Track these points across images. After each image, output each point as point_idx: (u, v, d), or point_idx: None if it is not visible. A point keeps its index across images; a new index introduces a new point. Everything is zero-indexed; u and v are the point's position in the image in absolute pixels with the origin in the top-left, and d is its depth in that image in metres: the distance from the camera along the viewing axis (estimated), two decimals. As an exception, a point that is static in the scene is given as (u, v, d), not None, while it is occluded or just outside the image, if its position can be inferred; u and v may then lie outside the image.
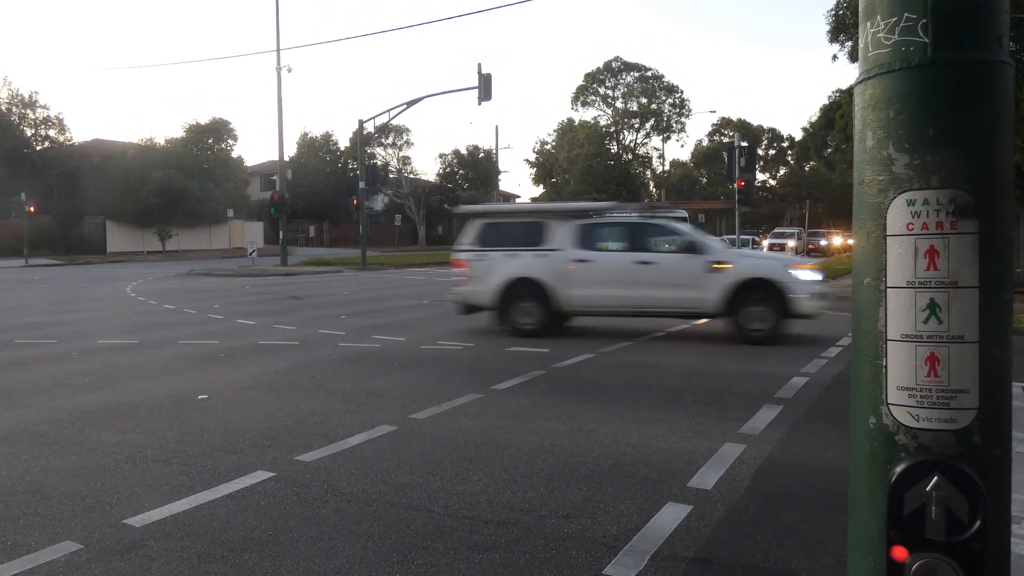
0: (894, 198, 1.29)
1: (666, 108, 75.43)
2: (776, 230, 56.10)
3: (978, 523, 1.26)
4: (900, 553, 1.29)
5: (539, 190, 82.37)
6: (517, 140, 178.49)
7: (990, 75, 1.24)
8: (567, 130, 77.69)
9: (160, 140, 57.06)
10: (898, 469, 1.30)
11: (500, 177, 72.70)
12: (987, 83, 1.24)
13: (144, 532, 4.50)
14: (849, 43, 28.48)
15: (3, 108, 52.60)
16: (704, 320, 13.60)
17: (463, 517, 4.76)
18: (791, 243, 48.14)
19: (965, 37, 1.24)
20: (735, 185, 23.98)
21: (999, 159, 1.25)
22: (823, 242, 57.38)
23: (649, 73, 75.20)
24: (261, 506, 4.94)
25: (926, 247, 1.27)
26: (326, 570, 4.02)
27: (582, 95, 75.74)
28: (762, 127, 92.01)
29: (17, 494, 5.15)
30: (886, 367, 1.32)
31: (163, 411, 7.52)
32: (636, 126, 75.72)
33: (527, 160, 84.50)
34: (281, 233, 39.22)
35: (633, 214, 14.64)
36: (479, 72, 31.58)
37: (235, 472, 5.58)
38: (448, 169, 75.72)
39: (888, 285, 1.31)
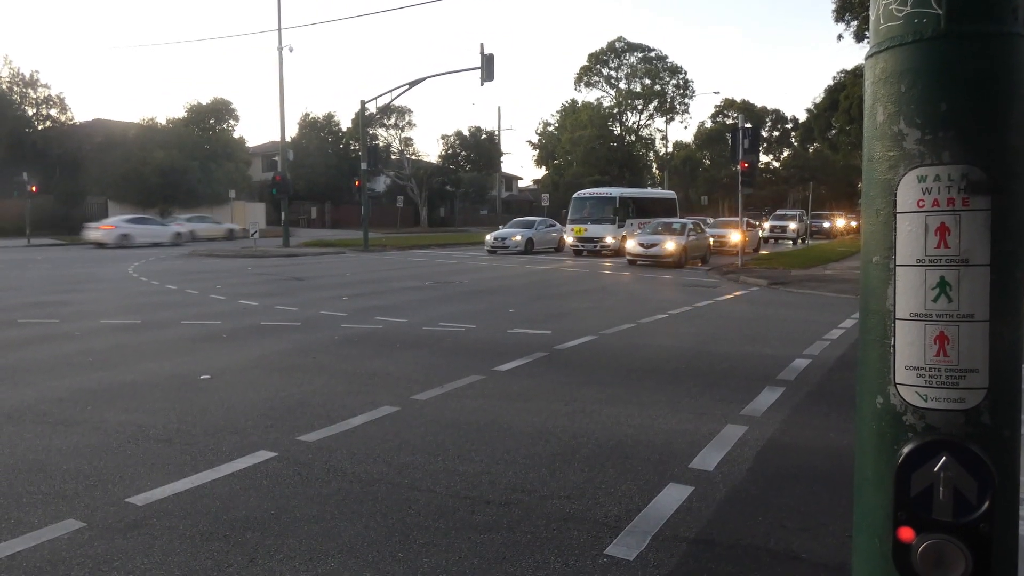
0: (904, 174, 1.27)
1: (670, 89, 75.11)
2: (777, 212, 53.40)
3: (986, 504, 1.24)
4: (907, 534, 1.28)
5: (541, 172, 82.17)
6: (520, 121, 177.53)
7: (1005, 48, 1.21)
8: (570, 111, 77.41)
9: (162, 120, 56.98)
10: (905, 449, 1.28)
11: (502, 159, 72.50)
12: (1002, 56, 1.21)
13: (147, 511, 4.52)
14: (855, 22, 28.28)
15: (4, 87, 52.37)
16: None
17: (465, 497, 4.77)
18: (792, 225, 46.17)
19: (980, 9, 1.21)
20: (738, 167, 23.88)
21: (1013, 134, 1.23)
22: (826, 224, 56.07)
23: (653, 54, 74.84)
24: (263, 486, 4.95)
25: (937, 224, 1.25)
26: (328, 549, 4.03)
27: (585, 76, 75.39)
28: (766, 108, 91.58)
29: (20, 472, 5.17)
30: (894, 346, 1.30)
31: (165, 391, 7.53)
32: (639, 107, 75.45)
33: (529, 142, 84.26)
34: (283, 214, 39.17)
35: None
36: (482, 52, 31.40)
37: (237, 452, 5.59)
38: (450, 151, 75.40)
39: (897, 263, 1.29)
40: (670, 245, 25.52)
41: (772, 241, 45.48)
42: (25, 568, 3.81)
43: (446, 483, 5.01)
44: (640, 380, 8.13)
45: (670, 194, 42.02)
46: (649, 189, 48.79)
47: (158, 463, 5.38)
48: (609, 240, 31.27)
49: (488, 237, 34.79)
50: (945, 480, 1.25)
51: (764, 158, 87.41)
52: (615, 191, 34.80)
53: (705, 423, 6.42)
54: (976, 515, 1.25)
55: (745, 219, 31.98)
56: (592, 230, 31.68)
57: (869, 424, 1.35)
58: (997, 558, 1.26)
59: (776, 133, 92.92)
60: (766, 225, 46.92)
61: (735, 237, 30.88)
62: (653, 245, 25.80)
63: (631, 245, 26.64)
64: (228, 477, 5.09)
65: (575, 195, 34.73)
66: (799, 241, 45.62)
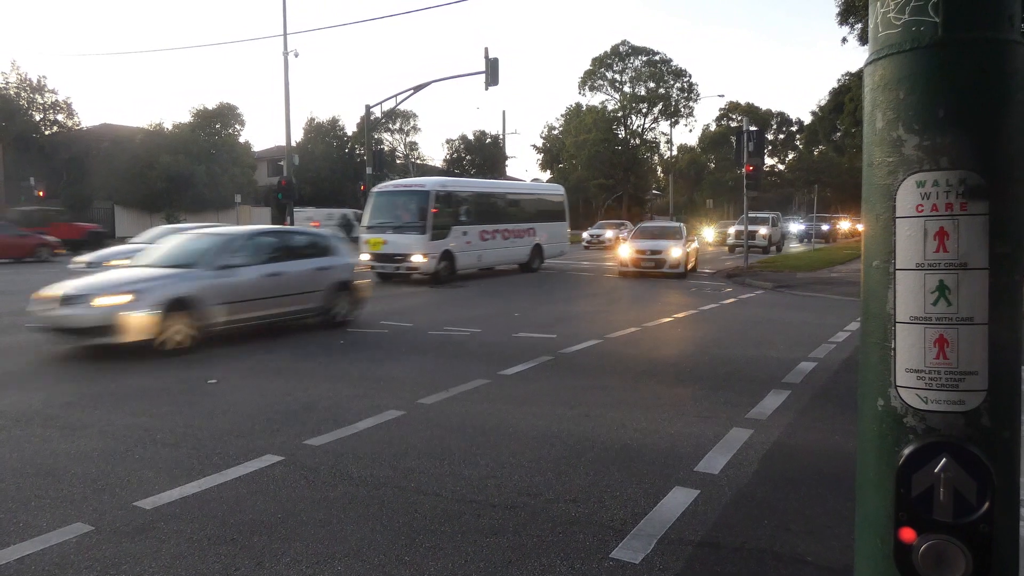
0: (903, 180, 1.29)
1: (674, 92, 74.94)
2: (750, 214, 44.15)
3: (986, 505, 1.26)
4: (908, 534, 1.30)
5: (546, 176, 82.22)
6: (524, 125, 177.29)
7: (1001, 55, 1.23)
8: (574, 115, 77.33)
9: (168, 125, 57.04)
10: (906, 451, 1.30)
11: (507, 163, 72.56)
12: (998, 63, 1.23)
13: (154, 514, 4.54)
14: (859, 25, 28.23)
15: (12, 93, 52.58)
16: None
17: (471, 501, 4.78)
18: (763, 231, 37.16)
19: (976, 17, 1.23)
20: (743, 170, 23.86)
21: (1010, 140, 1.25)
22: (824, 227, 51.83)
23: (657, 57, 74.71)
24: (270, 489, 4.97)
25: (935, 229, 1.27)
26: (335, 552, 4.05)
27: (589, 79, 75.31)
28: (771, 111, 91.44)
29: (29, 476, 5.20)
30: (895, 349, 1.31)
31: (172, 395, 7.56)
32: (644, 111, 75.29)
33: (534, 145, 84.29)
34: (288, 219, 39.24)
35: None
36: (486, 57, 31.39)
37: (244, 456, 5.61)
38: (455, 154, 75.55)
39: (897, 267, 1.30)
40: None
41: (742, 250, 35.19)
42: (33, 571, 3.83)
43: (452, 487, 5.02)
44: (645, 384, 8.14)
45: (552, 189, 29.77)
46: (510, 182, 34.35)
47: (165, 467, 5.40)
48: (417, 259, 20.29)
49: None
50: (945, 481, 1.27)
51: (769, 161, 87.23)
52: (430, 182, 22.67)
53: (710, 426, 6.42)
54: (976, 516, 1.26)
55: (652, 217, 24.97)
56: (393, 242, 20.73)
57: (870, 426, 1.37)
58: (997, 558, 1.27)
59: (781, 136, 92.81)
60: (731, 231, 38.67)
61: (624, 253, 23.39)
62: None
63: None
64: (235, 481, 5.12)
65: (375, 188, 23.17)
66: (772, 249, 38.08)
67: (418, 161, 71.90)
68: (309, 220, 40.92)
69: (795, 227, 54.60)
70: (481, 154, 73.73)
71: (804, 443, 6.05)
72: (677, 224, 26.73)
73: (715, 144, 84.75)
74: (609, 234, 42.65)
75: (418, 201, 21.14)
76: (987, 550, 1.26)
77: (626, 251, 23.20)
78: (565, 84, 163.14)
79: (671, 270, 22.20)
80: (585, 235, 44.49)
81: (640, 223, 26.57)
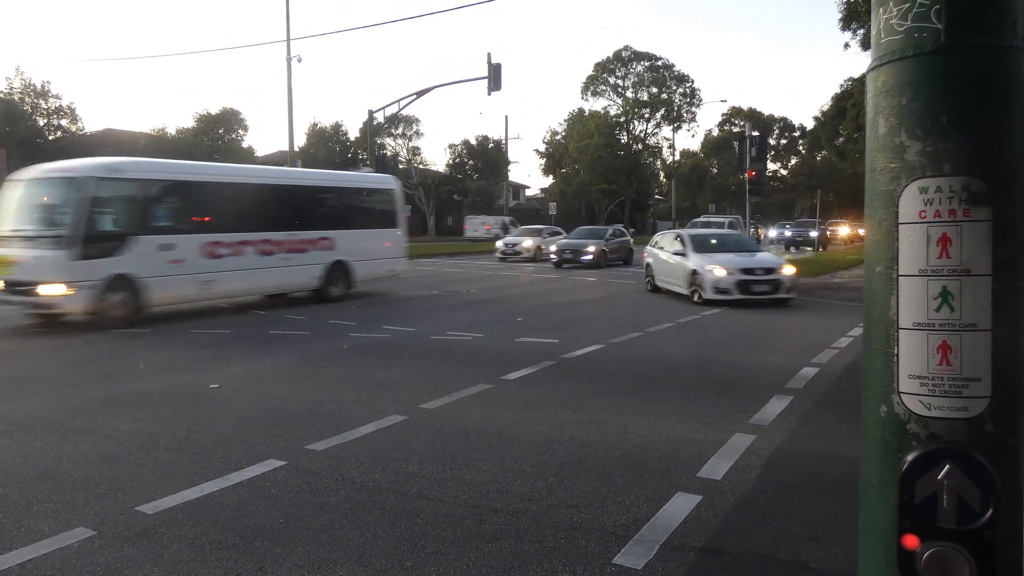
0: (906, 186, 1.29)
1: (676, 98, 75.10)
2: (699, 220, 37.46)
3: (990, 512, 1.25)
4: (911, 541, 1.29)
5: (549, 180, 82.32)
6: (527, 130, 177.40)
7: (1004, 61, 1.23)
8: (577, 120, 77.47)
9: (171, 130, 57.14)
10: (909, 457, 1.30)
11: (510, 168, 72.58)
12: (1001, 69, 1.23)
13: (156, 519, 4.54)
14: (861, 31, 28.24)
15: (16, 98, 52.76)
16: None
17: (473, 506, 4.78)
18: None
19: (979, 22, 1.23)
20: (746, 175, 23.84)
21: (1013, 145, 1.24)
22: (812, 233, 43.48)
23: (659, 62, 74.90)
24: (272, 494, 4.97)
25: (939, 235, 1.27)
26: (336, 557, 4.05)
27: (592, 85, 75.50)
28: (773, 116, 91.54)
29: (31, 481, 5.20)
30: (898, 355, 1.31)
31: (175, 400, 7.56)
32: (646, 116, 75.44)
33: (536, 151, 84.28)
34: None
35: None
36: (489, 62, 31.47)
37: (246, 460, 5.61)
38: (458, 159, 75.54)
39: (900, 273, 1.30)
40: None
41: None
42: (36, 576, 3.83)
43: (454, 492, 5.02)
44: (648, 389, 8.13)
45: (376, 182, 20.84)
46: (283, 168, 25.10)
47: (168, 472, 5.40)
48: (52, 290, 12.35)
49: None
50: (949, 488, 1.27)
51: (772, 166, 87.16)
52: (87, 165, 13.72)
53: (713, 432, 6.41)
54: (980, 523, 1.26)
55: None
56: (25, 263, 12.62)
57: (873, 432, 1.37)
58: (1001, 565, 1.27)
59: (784, 141, 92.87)
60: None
61: None
62: None
63: None
64: (237, 486, 5.11)
65: (11, 176, 14.41)
66: None
67: (420, 166, 71.92)
68: None
69: (783, 232, 52.37)
70: (484, 159, 73.75)
71: (807, 449, 6.04)
72: (735, 231, 21.98)
73: (717, 149, 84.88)
74: (528, 243, 35.23)
75: (60, 195, 13.02)
76: (991, 557, 1.26)
77: (719, 270, 16.04)
78: (568, 89, 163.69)
79: (787, 295, 16.28)
80: (499, 244, 36.34)
81: (685, 229, 21.02)
